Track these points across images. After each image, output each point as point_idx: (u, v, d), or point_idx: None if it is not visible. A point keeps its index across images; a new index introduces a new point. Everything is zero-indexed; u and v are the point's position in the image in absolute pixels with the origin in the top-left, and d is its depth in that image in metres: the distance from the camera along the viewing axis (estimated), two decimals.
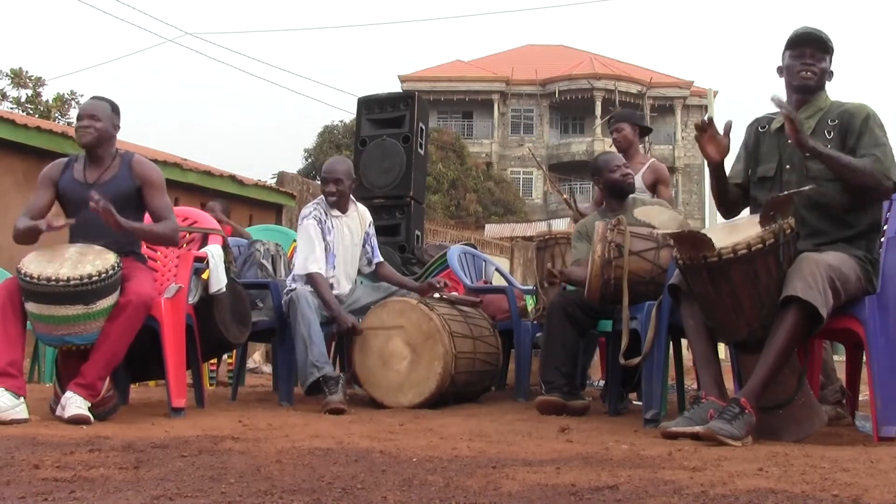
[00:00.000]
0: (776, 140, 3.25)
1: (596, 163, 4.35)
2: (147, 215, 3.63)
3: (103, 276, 3.21)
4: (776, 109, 3.33)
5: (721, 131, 3.21)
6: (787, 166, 3.20)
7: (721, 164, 3.28)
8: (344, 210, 4.57)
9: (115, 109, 3.60)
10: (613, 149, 5.34)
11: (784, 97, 3.21)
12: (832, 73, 3.24)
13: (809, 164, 3.12)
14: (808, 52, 3.18)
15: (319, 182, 4.62)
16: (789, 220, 2.92)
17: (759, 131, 3.36)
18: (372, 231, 4.73)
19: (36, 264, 3.22)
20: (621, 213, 3.99)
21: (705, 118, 3.28)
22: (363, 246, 4.65)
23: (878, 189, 3.03)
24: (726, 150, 3.24)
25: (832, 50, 3.22)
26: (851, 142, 3.10)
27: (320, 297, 4.23)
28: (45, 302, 3.19)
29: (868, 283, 3.00)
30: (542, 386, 3.89)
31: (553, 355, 3.89)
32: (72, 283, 3.15)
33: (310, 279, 4.32)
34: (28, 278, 3.17)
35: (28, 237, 3.44)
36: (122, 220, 3.35)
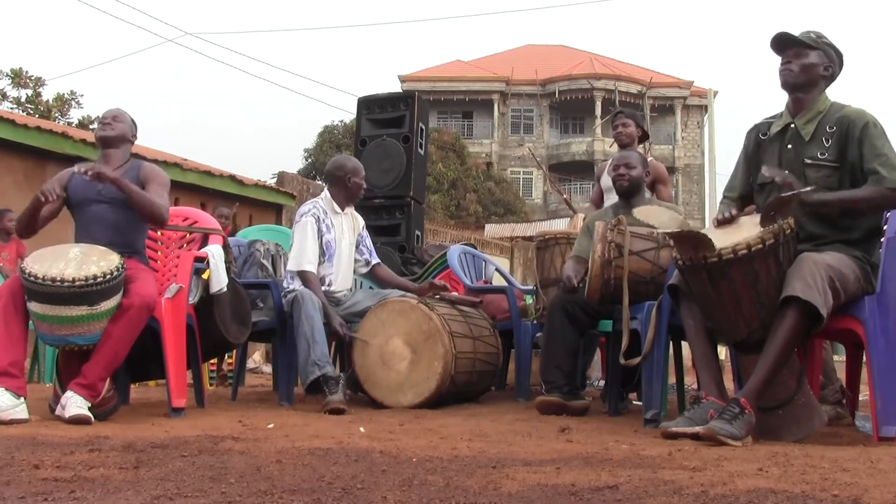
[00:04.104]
0: (776, 146, 3.22)
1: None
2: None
3: (108, 277, 3.20)
4: (774, 113, 3.33)
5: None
6: (787, 173, 3.17)
7: None
8: (343, 208, 4.60)
9: (134, 123, 3.87)
10: (614, 147, 5.36)
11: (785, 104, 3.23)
12: (830, 68, 3.16)
13: (808, 172, 3.10)
14: (791, 52, 3.16)
15: (355, 179, 4.60)
16: (789, 220, 2.92)
17: (759, 138, 3.31)
18: (365, 233, 4.76)
19: (40, 264, 3.20)
20: (626, 211, 3.98)
21: (726, 214, 3.14)
22: (357, 247, 4.67)
23: (892, 206, 3.01)
24: None
25: (820, 46, 3.15)
26: (853, 154, 3.05)
27: None
28: (49, 302, 3.17)
29: (867, 283, 2.99)
30: (543, 386, 3.89)
31: (553, 355, 3.89)
32: (77, 283, 3.14)
33: (302, 277, 4.32)
34: (32, 278, 3.15)
35: (29, 219, 3.51)
36: (117, 176, 3.46)
